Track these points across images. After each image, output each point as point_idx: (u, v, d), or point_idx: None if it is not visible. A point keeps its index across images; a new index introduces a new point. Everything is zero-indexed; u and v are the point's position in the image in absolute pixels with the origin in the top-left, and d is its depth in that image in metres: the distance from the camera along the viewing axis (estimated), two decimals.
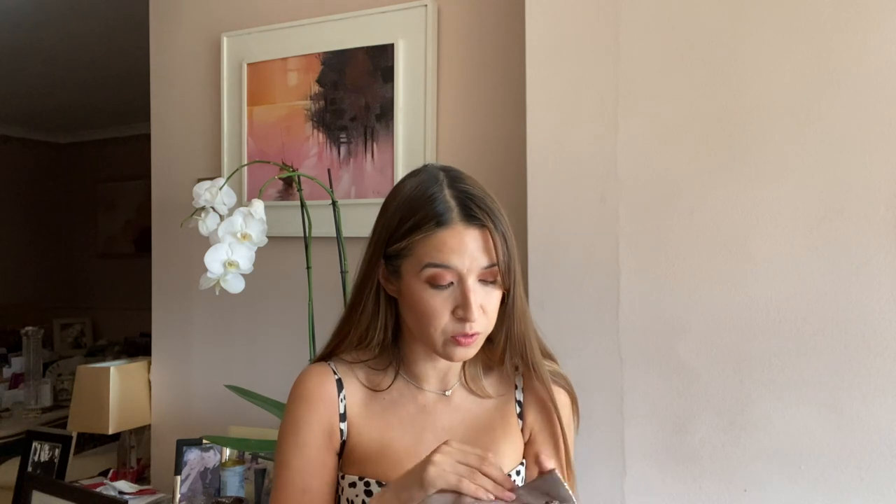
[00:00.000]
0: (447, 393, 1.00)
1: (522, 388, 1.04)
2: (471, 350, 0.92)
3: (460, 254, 0.88)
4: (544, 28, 1.56)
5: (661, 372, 1.44)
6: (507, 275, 0.91)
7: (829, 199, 1.31)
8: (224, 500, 1.92)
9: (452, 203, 0.90)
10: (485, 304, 0.91)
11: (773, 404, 1.35)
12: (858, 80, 1.30)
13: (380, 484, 0.93)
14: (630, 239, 1.47)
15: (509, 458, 0.99)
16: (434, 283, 0.89)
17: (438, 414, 0.99)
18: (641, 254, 1.46)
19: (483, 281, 0.90)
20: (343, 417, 0.97)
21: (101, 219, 5.80)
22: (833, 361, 1.31)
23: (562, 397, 1.03)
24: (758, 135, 1.37)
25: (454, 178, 0.94)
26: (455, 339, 0.90)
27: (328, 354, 1.03)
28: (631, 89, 1.47)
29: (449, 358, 0.93)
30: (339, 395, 0.98)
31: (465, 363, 1.01)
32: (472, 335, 0.90)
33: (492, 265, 0.90)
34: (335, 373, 0.99)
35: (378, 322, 0.97)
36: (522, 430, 1.03)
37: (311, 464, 0.95)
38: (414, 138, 1.92)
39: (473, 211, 0.90)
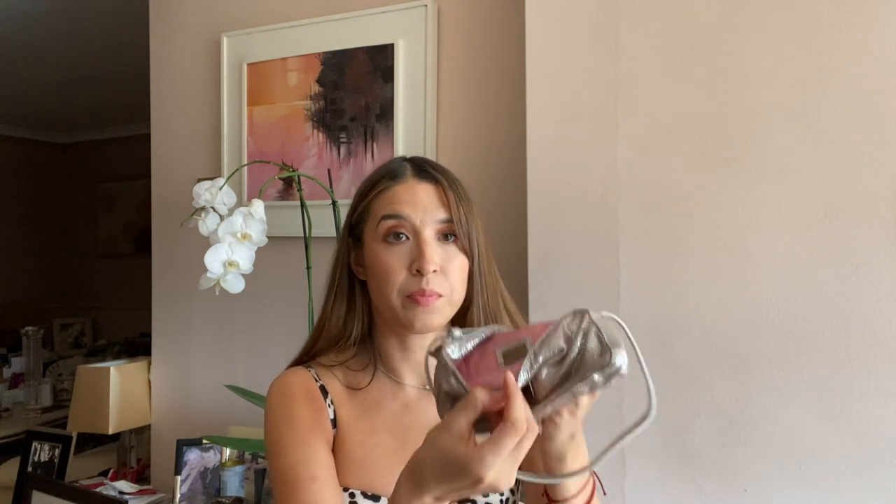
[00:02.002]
0: (427, 388, 0.97)
1: None
2: (433, 316, 0.89)
3: (413, 205, 0.90)
4: (544, 28, 1.56)
5: (661, 372, 1.44)
6: (468, 239, 0.91)
7: (829, 199, 1.31)
8: (224, 500, 1.92)
9: (407, 165, 0.95)
10: (444, 265, 0.89)
11: (773, 404, 1.35)
12: (858, 80, 1.30)
13: (365, 495, 0.90)
14: (630, 239, 1.47)
15: None
16: (389, 236, 0.90)
17: (422, 411, 0.96)
18: (641, 254, 1.46)
19: (442, 237, 0.91)
20: (334, 424, 0.94)
21: (101, 219, 5.81)
22: (833, 361, 1.31)
23: None
24: (758, 135, 1.37)
25: (416, 157, 0.99)
26: (413, 298, 0.88)
27: (305, 358, 1.00)
28: (631, 89, 1.47)
29: (410, 324, 0.89)
30: (326, 401, 0.94)
31: None
32: (430, 294, 0.88)
33: (447, 220, 0.90)
34: (317, 379, 0.96)
35: (354, 311, 0.96)
36: None
37: (314, 453, 0.90)
38: (414, 138, 1.92)
39: (426, 168, 0.94)
